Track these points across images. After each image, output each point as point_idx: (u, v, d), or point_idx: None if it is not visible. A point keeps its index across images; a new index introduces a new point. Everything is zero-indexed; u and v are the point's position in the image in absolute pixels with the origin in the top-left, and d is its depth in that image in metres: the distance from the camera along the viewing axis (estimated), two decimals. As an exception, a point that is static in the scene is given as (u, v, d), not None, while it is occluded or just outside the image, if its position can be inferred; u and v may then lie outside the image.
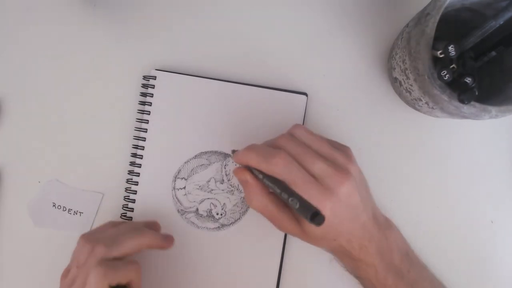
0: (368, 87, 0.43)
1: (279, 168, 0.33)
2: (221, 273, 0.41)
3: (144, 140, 0.42)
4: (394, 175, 0.43)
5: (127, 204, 0.42)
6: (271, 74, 0.43)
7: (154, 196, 0.41)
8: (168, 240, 0.38)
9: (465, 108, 0.32)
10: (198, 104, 0.42)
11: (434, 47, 0.32)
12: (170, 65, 0.43)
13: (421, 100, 0.36)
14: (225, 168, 0.42)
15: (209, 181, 0.42)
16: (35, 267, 0.42)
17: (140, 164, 0.42)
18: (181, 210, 0.42)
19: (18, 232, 0.42)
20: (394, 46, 0.39)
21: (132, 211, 0.41)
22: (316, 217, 0.29)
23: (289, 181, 0.32)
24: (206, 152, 0.42)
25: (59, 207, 0.42)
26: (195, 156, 0.42)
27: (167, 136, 0.42)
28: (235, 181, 0.42)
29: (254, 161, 0.34)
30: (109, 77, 0.43)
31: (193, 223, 0.42)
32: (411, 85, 0.35)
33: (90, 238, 0.37)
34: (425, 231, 0.42)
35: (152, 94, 0.42)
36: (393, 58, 0.38)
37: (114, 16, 0.44)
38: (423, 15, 0.33)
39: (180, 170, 0.42)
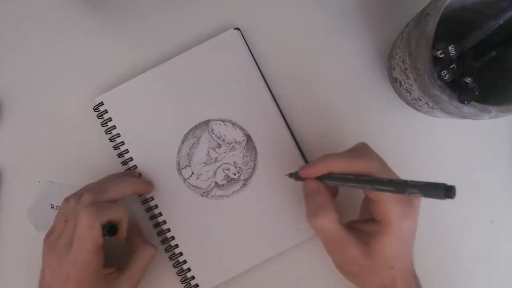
0: (368, 87, 0.43)
1: (376, 164, 0.32)
2: (262, 224, 0.41)
3: (132, 160, 0.42)
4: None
5: (154, 214, 0.41)
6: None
7: (172, 196, 0.41)
8: (149, 184, 0.41)
9: (465, 108, 0.32)
10: (154, 97, 0.42)
11: (434, 47, 0.32)
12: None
13: (421, 100, 0.36)
14: (213, 133, 0.42)
15: (208, 153, 0.42)
16: (35, 267, 0.42)
17: (140, 174, 0.42)
18: (204, 192, 0.41)
19: (18, 232, 0.42)
20: (394, 46, 0.39)
21: (161, 215, 0.41)
22: (450, 190, 0.28)
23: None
24: (188, 132, 0.42)
25: (57, 208, 0.42)
26: (182, 141, 0.42)
27: (148, 141, 0.42)
28: (229, 137, 0.42)
29: (344, 161, 0.33)
30: (109, 77, 0.43)
31: (221, 196, 0.41)
32: (411, 85, 0.35)
33: (74, 193, 0.38)
34: (425, 231, 0.42)
35: (110, 118, 0.42)
36: (393, 58, 0.38)
37: (114, 16, 0.44)
38: (423, 15, 0.33)
39: (178, 161, 0.42)
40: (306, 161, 0.42)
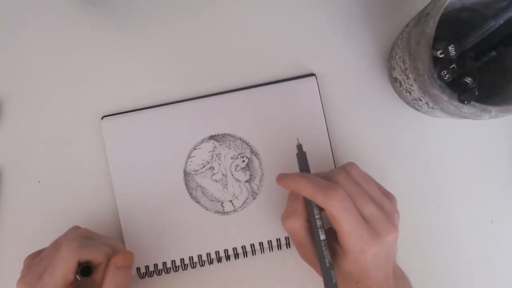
0: (368, 87, 0.43)
1: (337, 203, 0.32)
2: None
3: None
4: (394, 175, 0.43)
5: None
6: (271, 73, 0.43)
7: (232, 229, 0.41)
8: (128, 257, 0.36)
9: (465, 108, 0.32)
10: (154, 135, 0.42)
11: (434, 47, 0.32)
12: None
13: (421, 100, 0.36)
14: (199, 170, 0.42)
15: (217, 181, 0.42)
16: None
17: None
18: (252, 194, 0.42)
19: (18, 232, 0.42)
20: (394, 46, 0.39)
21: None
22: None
23: (342, 218, 0.32)
24: (190, 192, 0.41)
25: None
26: (194, 200, 0.41)
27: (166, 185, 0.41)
28: (205, 158, 0.41)
29: (310, 191, 0.33)
30: (109, 77, 0.43)
31: (260, 179, 0.42)
32: (411, 85, 0.35)
33: (77, 226, 0.38)
34: (425, 231, 0.42)
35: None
36: (393, 58, 0.38)
37: (114, 16, 0.44)
38: (423, 15, 0.33)
39: (216, 211, 0.41)
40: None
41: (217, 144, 0.42)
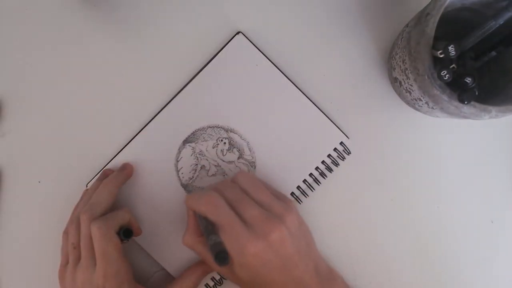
0: (368, 87, 0.43)
1: (206, 207, 0.34)
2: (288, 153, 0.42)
3: None
4: (394, 175, 0.43)
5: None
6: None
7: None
8: (127, 167, 0.41)
9: (465, 108, 0.32)
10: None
11: (434, 47, 0.32)
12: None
13: (421, 100, 0.36)
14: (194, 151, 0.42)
15: (203, 168, 0.42)
16: (36, 267, 0.42)
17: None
18: (251, 164, 0.42)
19: (18, 232, 0.42)
20: (394, 46, 0.39)
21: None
22: (220, 256, 0.30)
23: (216, 221, 0.33)
24: (176, 162, 0.42)
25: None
26: (176, 162, 0.42)
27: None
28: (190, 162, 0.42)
29: (190, 202, 0.36)
30: (108, 78, 0.43)
31: (251, 151, 0.42)
32: (411, 85, 0.35)
33: (69, 223, 0.39)
34: (425, 231, 0.42)
35: None
36: (393, 58, 0.38)
37: (114, 16, 0.43)
38: (423, 15, 0.33)
39: (192, 187, 0.42)
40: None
41: (192, 144, 0.42)
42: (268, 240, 0.32)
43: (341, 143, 0.42)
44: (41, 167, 0.43)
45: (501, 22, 0.31)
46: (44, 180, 0.43)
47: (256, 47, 0.42)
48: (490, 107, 0.31)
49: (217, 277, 0.41)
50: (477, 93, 0.32)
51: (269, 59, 0.42)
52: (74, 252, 0.36)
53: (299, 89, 0.42)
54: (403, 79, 0.37)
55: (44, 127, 0.43)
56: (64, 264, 0.38)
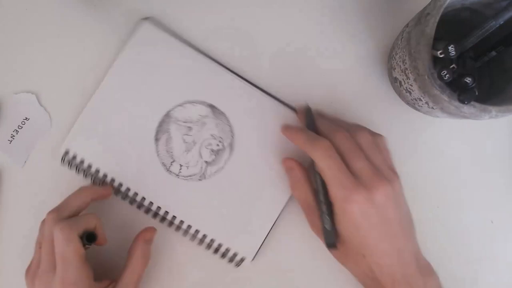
0: (368, 87, 0.43)
1: (320, 151, 0.33)
2: (265, 178, 0.41)
3: (122, 185, 0.41)
4: (394, 175, 0.43)
5: (163, 217, 0.42)
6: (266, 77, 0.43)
7: (174, 195, 0.41)
8: (106, 189, 0.40)
9: (465, 108, 0.32)
10: (110, 118, 0.42)
11: (434, 47, 0.32)
12: None
13: (421, 100, 0.36)
14: (178, 120, 0.41)
15: (184, 141, 0.41)
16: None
17: (136, 193, 0.41)
18: (200, 176, 0.41)
19: (18, 232, 0.42)
20: (394, 46, 0.39)
21: (167, 213, 0.41)
22: (330, 235, 0.31)
23: (323, 165, 0.33)
24: (156, 132, 0.41)
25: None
26: (155, 142, 0.41)
27: (127, 159, 0.41)
28: (193, 116, 0.41)
29: (301, 141, 0.36)
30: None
31: (216, 171, 0.41)
32: (411, 85, 0.36)
33: (42, 221, 0.38)
34: (425, 231, 0.42)
35: (82, 160, 0.42)
36: (393, 58, 0.38)
37: (114, 15, 0.43)
38: (423, 15, 0.33)
39: (162, 162, 0.41)
40: (291, 107, 0.42)
41: (210, 115, 0.42)
42: (372, 193, 0.31)
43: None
44: (41, 167, 0.43)
45: (501, 22, 0.31)
46: (45, 180, 0.43)
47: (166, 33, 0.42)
48: (490, 107, 0.31)
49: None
50: (477, 93, 0.32)
51: (188, 43, 0.42)
52: (39, 252, 0.36)
53: (228, 70, 0.42)
54: (403, 79, 0.37)
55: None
56: (31, 262, 0.37)
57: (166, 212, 0.41)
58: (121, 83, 0.42)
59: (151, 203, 0.41)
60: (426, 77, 0.32)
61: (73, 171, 0.42)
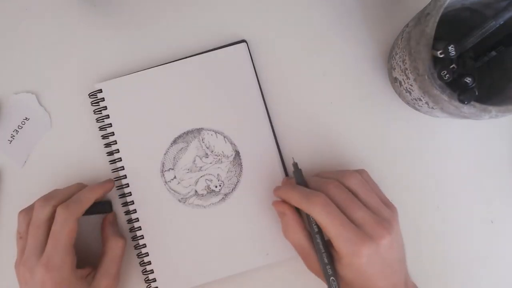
0: (368, 87, 0.43)
1: (318, 207, 0.33)
2: (232, 241, 0.41)
3: (118, 152, 0.41)
4: (394, 175, 0.43)
5: (128, 209, 0.42)
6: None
7: (150, 196, 0.41)
8: (108, 182, 0.41)
9: (465, 108, 0.32)
10: (152, 95, 0.42)
11: (434, 47, 0.32)
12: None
13: (421, 100, 0.36)
14: (203, 142, 0.41)
15: (194, 161, 0.41)
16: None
17: (125, 175, 0.41)
18: (182, 198, 0.41)
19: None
20: (394, 46, 0.39)
21: (135, 212, 0.41)
22: (334, 282, 0.32)
23: (325, 222, 0.33)
24: (179, 136, 0.42)
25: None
26: (171, 143, 0.41)
27: (137, 137, 0.42)
28: (218, 149, 0.41)
29: (296, 199, 0.35)
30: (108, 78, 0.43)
31: (198, 205, 0.41)
32: (411, 85, 0.35)
33: (23, 211, 0.38)
34: (425, 231, 0.42)
35: (106, 106, 0.42)
36: (393, 58, 0.38)
37: (114, 15, 0.43)
38: (423, 15, 0.33)
39: (163, 163, 0.41)
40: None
41: (231, 159, 0.42)
42: (379, 243, 0.32)
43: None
44: (41, 167, 0.43)
45: (501, 22, 0.31)
46: (45, 180, 0.43)
47: (253, 63, 0.42)
48: (490, 107, 0.31)
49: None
50: (477, 93, 0.32)
51: (257, 78, 0.42)
52: (20, 243, 0.37)
53: (268, 115, 0.42)
54: (403, 79, 0.37)
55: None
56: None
57: (135, 210, 0.41)
58: (182, 76, 0.42)
59: (130, 193, 0.41)
60: (426, 77, 0.32)
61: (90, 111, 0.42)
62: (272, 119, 0.42)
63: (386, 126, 0.43)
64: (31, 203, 0.42)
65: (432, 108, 0.35)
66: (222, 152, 0.42)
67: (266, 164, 0.42)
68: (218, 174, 0.41)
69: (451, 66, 0.32)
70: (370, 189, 0.36)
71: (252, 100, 0.42)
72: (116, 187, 0.42)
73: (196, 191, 0.41)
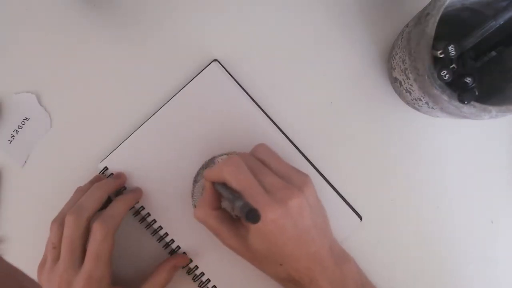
0: (368, 87, 0.43)
1: (228, 168, 0.33)
2: None
3: (149, 215, 0.41)
4: (394, 175, 0.43)
5: (174, 250, 0.41)
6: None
7: (195, 234, 0.41)
8: (121, 177, 0.40)
9: (465, 108, 0.32)
10: (153, 149, 0.41)
11: (434, 47, 0.32)
12: None
13: (421, 100, 0.36)
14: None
15: None
16: (36, 267, 0.42)
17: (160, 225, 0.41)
18: None
19: (19, 232, 0.42)
20: (394, 46, 0.39)
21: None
22: (251, 214, 0.28)
23: (238, 186, 0.32)
24: (197, 174, 0.41)
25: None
26: (193, 184, 0.41)
27: (161, 192, 0.41)
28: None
29: (211, 173, 0.35)
30: (109, 78, 0.43)
31: None
32: (411, 85, 0.36)
33: (55, 218, 0.38)
34: (425, 231, 0.42)
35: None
36: (393, 58, 0.38)
37: (114, 15, 0.44)
38: (423, 15, 0.33)
39: (194, 205, 0.41)
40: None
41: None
42: (287, 206, 0.31)
43: None
44: (41, 167, 0.43)
45: (501, 22, 0.31)
46: (45, 180, 0.43)
47: (232, 76, 0.42)
48: (490, 107, 0.31)
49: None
50: (477, 93, 0.32)
51: (244, 90, 0.42)
52: (53, 252, 0.36)
53: (271, 120, 0.42)
54: (403, 79, 0.37)
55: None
56: (44, 260, 0.38)
57: (184, 253, 0.41)
58: (178, 114, 0.41)
59: (173, 240, 0.41)
60: (426, 77, 0.32)
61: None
62: (277, 123, 0.42)
63: (386, 126, 0.43)
64: (31, 203, 0.42)
65: (432, 108, 0.35)
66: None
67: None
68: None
69: (451, 66, 0.32)
70: (279, 158, 0.36)
71: (247, 111, 0.41)
72: (158, 240, 0.41)
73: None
